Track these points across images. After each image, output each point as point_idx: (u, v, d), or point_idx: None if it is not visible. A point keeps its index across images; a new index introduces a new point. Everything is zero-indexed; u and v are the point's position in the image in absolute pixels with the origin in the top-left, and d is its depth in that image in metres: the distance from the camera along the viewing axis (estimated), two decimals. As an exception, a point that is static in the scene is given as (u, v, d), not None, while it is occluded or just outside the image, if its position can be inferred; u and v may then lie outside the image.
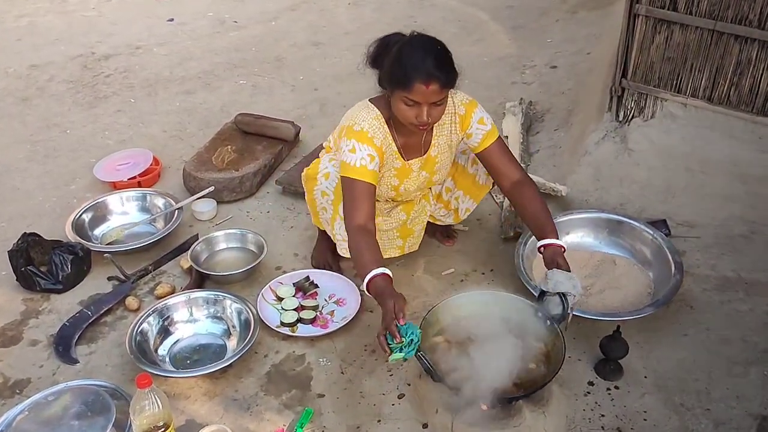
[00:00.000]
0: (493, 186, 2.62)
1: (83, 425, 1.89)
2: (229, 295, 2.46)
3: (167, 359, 2.32)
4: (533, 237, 2.61)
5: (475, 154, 2.46)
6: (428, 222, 2.85)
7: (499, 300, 2.29)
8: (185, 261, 2.72)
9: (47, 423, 1.90)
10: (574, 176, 2.95)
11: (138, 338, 2.30)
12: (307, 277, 2.63)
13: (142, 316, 2.36)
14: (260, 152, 3.34)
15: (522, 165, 3.15)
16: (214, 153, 3.32)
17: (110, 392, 2.02)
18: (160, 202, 3.02)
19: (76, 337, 2.40)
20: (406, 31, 2.31)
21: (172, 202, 2.98)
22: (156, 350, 2.33)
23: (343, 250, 2.52)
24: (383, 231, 2.56)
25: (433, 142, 2.42)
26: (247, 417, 2.14)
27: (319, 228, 2.67)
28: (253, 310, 2.42)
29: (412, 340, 1.91)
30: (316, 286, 2.61)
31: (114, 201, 3.03)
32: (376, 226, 2.31)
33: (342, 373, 2.28)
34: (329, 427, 2.10)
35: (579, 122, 3.33)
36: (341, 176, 2.27)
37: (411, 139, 2.37)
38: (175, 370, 2.27)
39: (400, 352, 1.91)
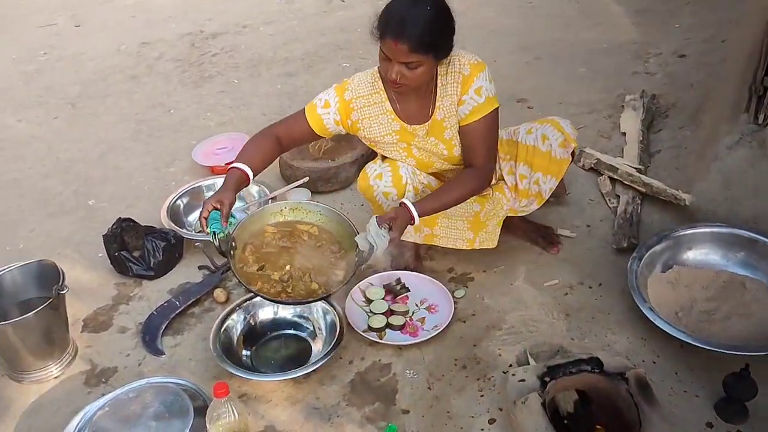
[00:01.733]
0: (573, 160, 2.39)
1: (160, 427, 1.83)
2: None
3: (251, 358, 2.25)
4: (650, 251, 2.37)
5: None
6: (528, 224, 2.65)
7: (337, 219, 2.30)
8: (275, 254, 2.64)
9: (125, 421, 1.86)
10: (701, 184, 2.64)
11: (222, 336, 2.24)
12: (399, 279, 2.49)
13: (226, 313, 2.30)
14: (358, 141, 3.18)
15: (640, 166, 2.88)
16: (311, 140, 3.21)
17: (190, 393, 1.96)
18: (254, 190, 2.96)
19: (163, 327, 2.38)
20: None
21: (266, 191, 2.91)
22: (240, 348, 2.26)
23: (408, 233, 2.41)
24: (449, 217, 2.40)
25: (437, 104, 2.25)
26: (328, 428, 2.03)
27: None
28: (340, 312, 2.30)
29: (214, 232, 2.03)
30: (408, 290, 2.46)
31: (209, 187, 2.99)
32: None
33: (429, 388, 2.13)
34: (413, 449, 1.97)
35: (709, 121, 2.99)
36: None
37: (410, 105, 2.26)
38: (257, 370, 2.19)
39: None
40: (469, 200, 2.38)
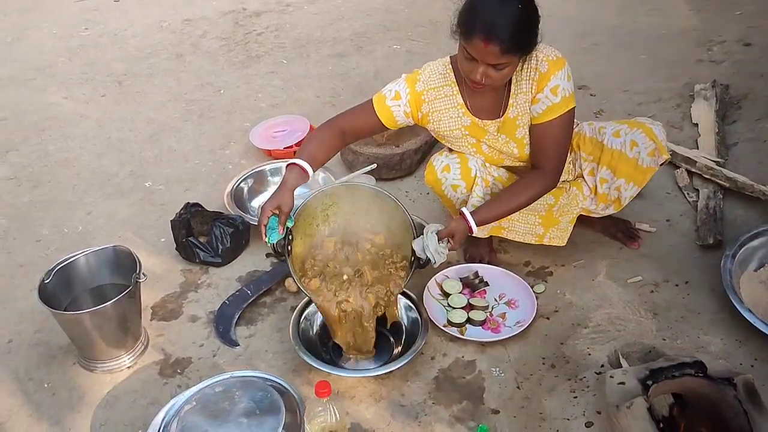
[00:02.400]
0: (663, 164, 2.29)
1: (252, 424, 1.76)
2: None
3: (330, 351, 2.18)
4: (743, 248, 2.28)
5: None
6: (606, 218, 2.55)
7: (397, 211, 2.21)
8: (346, 243, 2.56)
9: (215, 416, 1.78)
10: (788, 179, 2.55)
11: (302, 324, 2.16)
12: (476, 272, 2.40)
13: (304, 303, 2.22)
14: (421, 128, 3.10)
15: (719, 159, 2.78)
16: (373, 125, 3.12)
17: (277, 388, 1.89)
18: (318, 176, 2.86)
19: (236, 317, 2.31)
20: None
21: (332, 178, 2.83)
22: (318, 340, 2.19)
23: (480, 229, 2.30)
24: (522, 211, 2.32)
25: (510, 101, 2.16)
26: (416, 427, 1.96)
27: None
28: (420, 306, 2.23)
29: (272, 244, 2.02)
30: (487, 284, 2.38)
31: (272, 172, 2.91)
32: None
33: (518, 387, 2.06)
34: (508, 451, 1.89)
35: (789, 114, 2.89)
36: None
37: (482, 101, 2.16)
38: (336, 364, 2.12)
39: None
40: None
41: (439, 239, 2.10)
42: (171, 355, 2.22)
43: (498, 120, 2.19)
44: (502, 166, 2.35)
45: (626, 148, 2.24)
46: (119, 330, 2.10)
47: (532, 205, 2.31)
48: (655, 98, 3.40)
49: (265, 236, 1.99)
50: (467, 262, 2.50)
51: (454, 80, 2.16)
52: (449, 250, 2.13)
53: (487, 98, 2.16)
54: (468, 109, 2.19)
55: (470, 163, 2.28)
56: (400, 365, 2.03)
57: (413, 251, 2.14)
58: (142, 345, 2.21)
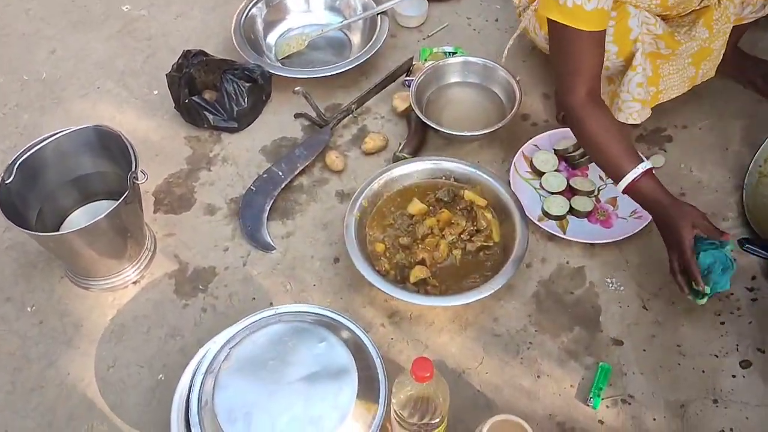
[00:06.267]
0: None
1: (316, 394, 1.29)
2: (475, 170, 1.73)
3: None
4: None
5: None
6: (743, 58, 1.97)
7: None
8: (400, 100, 1.95)
9: (264, 381, 1.31)
10: None
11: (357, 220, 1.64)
12: (576, 144, 1.83)
13: (361, 189, 1.68)
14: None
15: None
16: None
17: (341, 327, 1.41)
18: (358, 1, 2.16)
19: (268, 209, 1.76)
20: None
21: (373, 3, 2.13)
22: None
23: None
24: (679, 57, 1.69)
25: None
26: (519, 366, 1.51)
27: None
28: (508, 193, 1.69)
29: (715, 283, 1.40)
30: (590, 160, 1.82)
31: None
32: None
33: (644, 308, 1.59)
34: (640, 400, 1.46)
35: None
36: (547, 18, 1.47)
37: None
38: (415, 289, 1.60)
39: (702, 297, 1.42)
40: (697, 27, 1.66)
41: None
42: (187, 264, 1.70)
43: None
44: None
45: None
46: (118, 240, 1.56)
47: (686, 51, 1.69)
48: None
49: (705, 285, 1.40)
50: (561, 124, 1.92)
51: None
52: None
53: None
54: None
55: (630, 20, 1.58)
56: (496, 288, 1.53)
57: None
58: (149, 252, 1.68)
